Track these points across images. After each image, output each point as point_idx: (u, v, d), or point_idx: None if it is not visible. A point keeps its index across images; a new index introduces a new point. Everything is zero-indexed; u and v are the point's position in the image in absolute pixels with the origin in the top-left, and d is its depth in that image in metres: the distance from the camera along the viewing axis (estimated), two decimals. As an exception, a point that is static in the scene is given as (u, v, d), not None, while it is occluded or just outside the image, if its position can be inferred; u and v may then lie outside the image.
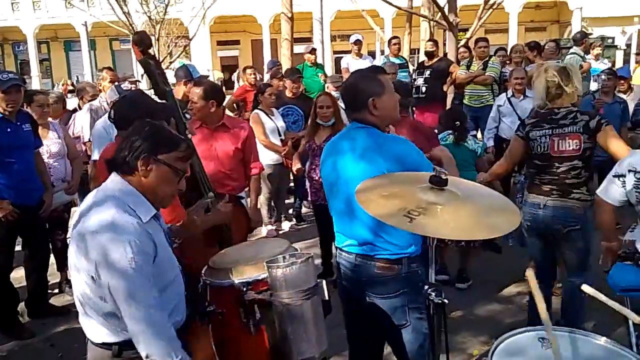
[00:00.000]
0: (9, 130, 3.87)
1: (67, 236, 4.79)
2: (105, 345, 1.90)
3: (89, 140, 5.08)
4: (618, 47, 21.37)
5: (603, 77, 5.66)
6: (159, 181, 1.92)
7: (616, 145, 3.10)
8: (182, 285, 2.07)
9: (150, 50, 3.11)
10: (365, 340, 2.59)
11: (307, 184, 4.78)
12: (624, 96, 6.28)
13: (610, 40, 18.29)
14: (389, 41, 8.57)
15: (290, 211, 6.71)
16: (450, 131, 4.61)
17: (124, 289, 1.77)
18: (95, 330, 1.91)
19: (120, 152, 1.92)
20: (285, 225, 6.39)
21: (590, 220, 3.23)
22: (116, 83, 6.11)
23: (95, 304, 1.85)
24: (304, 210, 6.64)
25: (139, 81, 7.94)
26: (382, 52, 20.76)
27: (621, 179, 2.68)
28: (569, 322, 3.16)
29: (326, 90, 6.69)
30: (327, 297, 2.22)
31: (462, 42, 8.95)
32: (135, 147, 1.89)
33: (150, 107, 2.73)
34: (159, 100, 3.11)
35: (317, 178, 4.57)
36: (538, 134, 3.29)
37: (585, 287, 1.83)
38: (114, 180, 1.94)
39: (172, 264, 2.01)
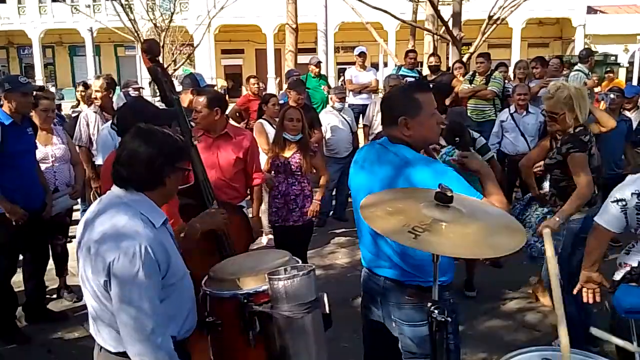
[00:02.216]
0: (17, 135, 3.91)
1: (67, 241, 4.79)
2: (124, 354, 1.88)
3: (78, 145, 5.11)
4: (621, 64, 21.43)
5: (612, 95, 5.67)
6: (175, 185, 2.02)
7: None
8: (193, 288, 2.08)
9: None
10: None
11: (269, 202, 4.46)
12: (629, 114, 6.31)
13: (612, 58, 18.32)
14: (406, 54, 8.59)
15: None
16: (452, 146, 4.59)
17: (125, 295, 1.76)
18: (112, 339, 1.90)
19: (135, 172, 1.90)
20: (286, 236, 6.36)
21: None
22: (126, 89, 6.15)
23: (111, 313, 1.84)
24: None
25: (142, 88, 7.97)
26: (385, 65, 20.85)
27: (620, 203, 2.63)
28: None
29: (330, 101, 6.71)
30: (327, 311, 2.20)
31: (459, 58, 8.99)
32: (159, 166, 1.90)
33: (152, 113, 2.73)
34: (162, 107, 3.12)
35: (280, 197, 4.33)
36: (595, 150, 3.46)
37: (594, 330, 1.81)
38: (121, 190, 1.94)
39: (183, 268, 2.01)
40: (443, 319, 1.58)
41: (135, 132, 1.96)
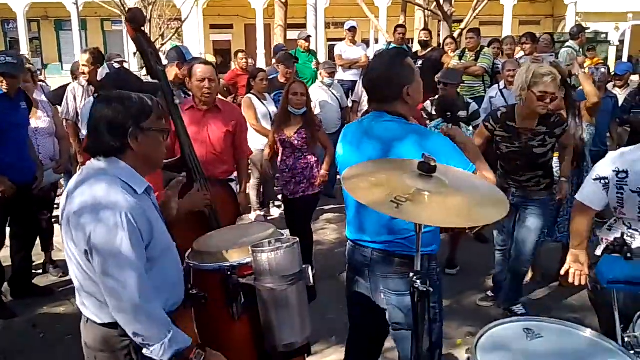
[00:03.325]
0: (9, 108, 3.87)
1: (53, 216, 4.76)
2: (110, 325, 1.87)
3: (65, 119, 5.09)
4: (611, 43, 21.43)
5: (602, 69, 5.67)
6: (150, 147, 1.90)
7: None
8: (180, 261, 2.06)
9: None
10: (369, 333, 2.55)
11: (278, 176, 4.59)
12: (620, 91, 6.31)
13: (603, 36, 18.31)
14: (395, 29, 8.50)
15: (280, 197, 6.68)
16: (442, 119, 4.60)
17: (111, 263, 1.74)
18: (97, 310, 1.88)
19: (99, 138, 1.84)
20: (275, 212, 6.36)
21: None
22: (109, 62, 6.06)
23: (95, 284, 1.82)
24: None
25: (125, 61, 7.86)
26: (376, 41, 20.68)
27: (603, 181, 2.61)
28: None
29: (319, 76, 6.63)
30: (312, 283, 2.20)
31: (450, 34, 8.91)
32: (118, 127, 1.83)
33: (135, 85, 2.67)
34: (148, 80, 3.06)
35: (287, 171, 4.42)
36: None
37: None
38: (100, 160, 1.89)
39: (168, 240, 1.98)
40: (425, 289, 1.58)
41: (100, 97, 1.91)
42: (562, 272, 2.73)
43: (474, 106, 4.96)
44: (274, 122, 4.65)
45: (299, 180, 4.41)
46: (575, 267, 2.63)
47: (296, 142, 4.37)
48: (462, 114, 4.90)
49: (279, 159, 4.52)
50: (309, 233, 4.55)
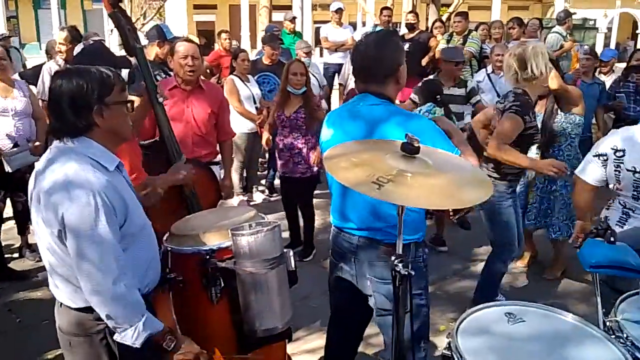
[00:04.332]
0: None
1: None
2: (85, 310, 1.81)
3: (41, 99, 4.94)
4: (599, 30, 21.51)
5: (585, 46, 5.68)
6: (116, 120, 1.83)
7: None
8: (155, 239, 2.00)
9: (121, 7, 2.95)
10: (351, 319, 2.53)
11: (276, 155, 4.62)
12: (605, 77, 6.33)
13: (591, 23, 18.32)
14: (380, 11, 8.40)
15: (263, 182, 6.61)
16: (432, 103, 4.57)
17: (85, 244, 1.68)
18: (71, 294, 1.82)
19: (63, 117, 1.76)
20: (258, 197, 6.30)
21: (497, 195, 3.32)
22: (86, 41, 5.92)
23: (68, 266, 1.76)
24: (276, 182, 6.53)
25: (103, 40, 7.70)
26: (364, 24, 20.50)
27: (602, 157, 2.74)
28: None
29: (297, 56, 6.53)
30: (293, 267, 2.16)
31: (438, 17, 8.84)
32: (82, 105, 1.75)
33: (110, 59, 2.59)
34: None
35: (285, 150, 4.49)
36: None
37: None
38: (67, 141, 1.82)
39: (143, 218, 1.92)
40: (406, 272, 1.54)
41: (59, 73, 1.83)
42: (570, 240, 2.95)
43: (471, 83, 4.99)
44: (276, 102, 4.66)
45: (297, 160, 4.47)
46: (581, 236, 2.78)
47: (295, 121, 4.41)
48: (460, 92, 4.88)
49: (277, 138, 4.57)
50: (312, 212, 4.71)
